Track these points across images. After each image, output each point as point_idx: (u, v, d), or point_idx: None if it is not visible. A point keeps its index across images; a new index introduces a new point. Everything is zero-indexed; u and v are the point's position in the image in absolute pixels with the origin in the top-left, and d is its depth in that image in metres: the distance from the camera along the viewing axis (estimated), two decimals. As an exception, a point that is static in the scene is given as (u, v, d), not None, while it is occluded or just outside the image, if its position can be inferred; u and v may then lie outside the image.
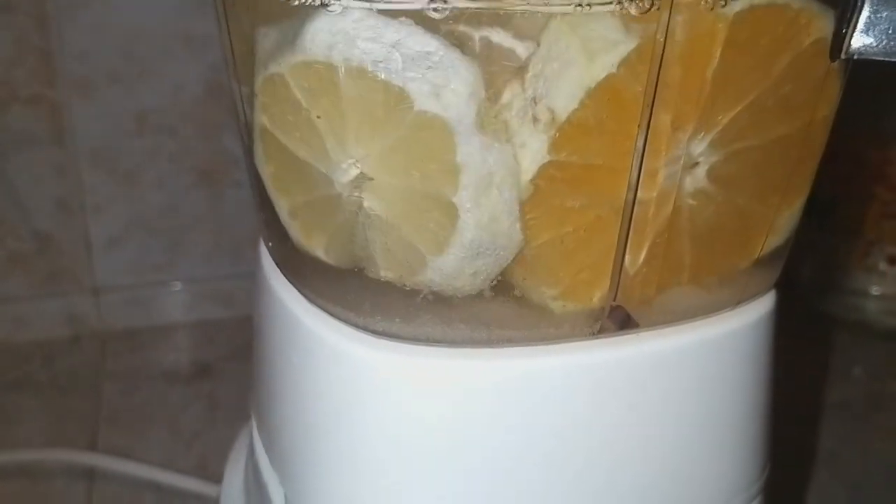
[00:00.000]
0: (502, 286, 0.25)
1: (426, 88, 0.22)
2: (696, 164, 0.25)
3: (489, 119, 0.23)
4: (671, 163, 0.24)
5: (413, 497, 0.27)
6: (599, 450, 0.27)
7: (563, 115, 0.23)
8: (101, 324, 0.62)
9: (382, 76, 0.22)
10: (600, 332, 0.26)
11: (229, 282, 0.63)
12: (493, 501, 0.27)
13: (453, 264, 0.25)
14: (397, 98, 0.23)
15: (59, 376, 0.58)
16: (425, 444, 0.26)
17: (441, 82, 0.22)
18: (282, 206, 0.27)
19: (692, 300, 0.27)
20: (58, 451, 0.50)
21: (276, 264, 0.30)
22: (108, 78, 0.56)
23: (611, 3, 0.22)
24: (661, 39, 0.22)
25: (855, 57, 0.24)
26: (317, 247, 0.27)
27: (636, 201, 0.24)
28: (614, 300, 0.26)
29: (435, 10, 0.22)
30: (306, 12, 0.23)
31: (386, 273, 0.25)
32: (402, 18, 0.22)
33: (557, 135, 0.23)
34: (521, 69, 0.23)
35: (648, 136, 0.24)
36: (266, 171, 0.27)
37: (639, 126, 0.23)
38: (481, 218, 0.24)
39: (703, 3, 0.22)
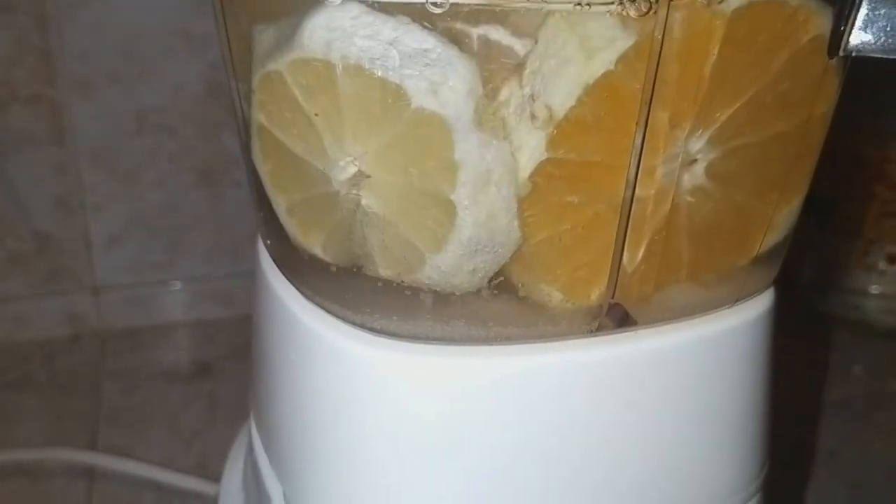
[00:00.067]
0: (500, 284, 0.25)
1: (424, 86, 0.22)
2: (695, 161, 0.25)
3: (487, 116, 0.23)
4: (669, 160, 0.24)
5: (411, 494, 0.27)
6: (598, 447, 0.27)
7: (560, 112, 0.23)
8: (100, 323, 0.62)
9: (380, 73, 0.22)
10: (598, 329, 0.26)
11: (229, 281, 0.63)
12: (492, 499, 0.27)
13: (451, 262, 0.25)
14: (395, 95, 0.23)
15: (59, 375, 0.58)
16: (423, 441, 0.26)
17: (439, 79, 0.22)
18: (279, 203, 0.27)
19: (690, 298, 0.27)
20: (58, 450, 0.50)
21: (275, 262, 0.30)
22: (108, 77, 0.56)
23: (612, 2, 0.22)
24: (659, 37, 0.22)
25: (853, 54, 0.24)
26: (315, 245, 0.27)
27: (634, 198, 0.24)
28: (612, 298, 0.26)
29: (434, 3, 0.22)
30: (304, 8, 0.23)
31: (384, 271, 0.25)
32: (400, 16, 0.22)
33: (555, 132, 0.23)
34: (518, 66, 0.23)
35: (646, 134, 0.24)
36: (264, 168, 0.27)
37: (637, 123, 0.23)
38: (479, 215, 0.24)
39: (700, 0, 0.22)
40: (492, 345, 0.26)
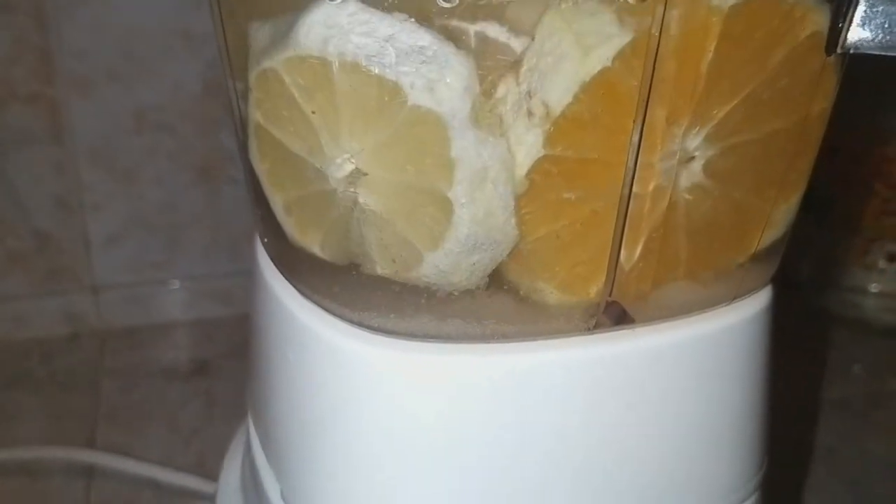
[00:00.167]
0: (498, 281, 0.25)
1: (420, 83, 0.22)
2: (692, 158, 0.25)
3: (484, 113, 0.23)
4: (667, 157, 0.24)
5: (408, 493, 0.27)
6: (595, 445, 0.27)
7: (557, 109, 0.23)
8: (99, 322, 0.62)
9: (376, 71, 0.22)
10: (596, 327, 0.26)
11: (228, 279, 0.63)
12: (489, 497, 0.27)
13: (448, 259, 0.25)
14: (391, 93, 0.23)
15: (58, 374, 0.58)
16: (420, 439, 0.26)
17: (435, 77, 0.22)
18: (277, 201, 0.27)
19: (688, 295, 0.27)
20: (56, 448, 0.50)
21: (272, 260, 0.30)
22: (107, 76, 0.56)
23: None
24: (656, 33, 0.22)
25: (851, 51, 0.24)
26: (312, 243, 0.27)
27: (631, 196, 0.24)
28: (610, 295, 0.26)
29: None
30: (301, 5, 0.23)
31: (381, 269, 0.25)
32: (397, 13, 0.22)
33: (552, 129, 0.23)
34: (515, 63, 0.23)
35: (644, 131, 0.23)
36: (261, 166, 0.27)
37: (634, 120, 0.23)
38: (476, 213, 0.24)
39: (697, -4, 0.22)
40: (489, 343, 0.26)
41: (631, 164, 0.24)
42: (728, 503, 0.30)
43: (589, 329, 0.26)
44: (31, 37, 0.54)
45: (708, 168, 0.25)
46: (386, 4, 0.22)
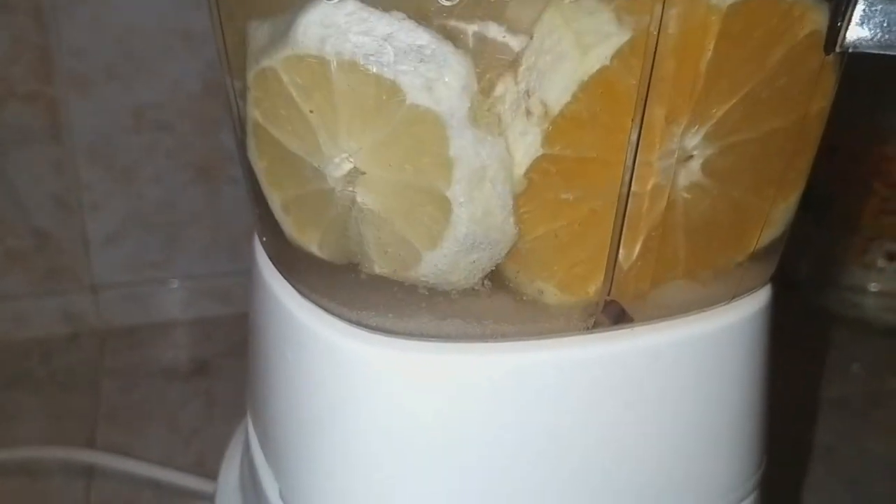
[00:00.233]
0: (496, 281, 0.25)
1: (418, 82, 0.22)
2: (691, 157, 0.25)
3: (482, 112, 0.23)
4: (665, 156, 0.24)
5: (407, 492, 0.27)
6: (594, 445, 0.27)
7: (556, 108, 0.23)
8: (99, 321, 0.62)
9: (374, 70, 0.22)
10: (595, 326, 0.26)
11: (227, 278, 0.63)
12: (488, 496, 0.27)
13: (447, 259, 0.25)
14: (389, 92, 0.22)
15: (58, 373, 0.58)
16: (419, 438, 0.26)
17: (433, 76, 0.22)
18: (275, 200, 0.27)
19: (687, 294, 0.27)
20: (56, 448, 0.50)
21: (270, 259, 0.30)
22: (106, 74, 0.56)
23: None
24: (655, 32, 0.22)
25: (850, 50, 0.24)
26: (310, 242, 0.27)
27: (630, 195, 0.24)
28: (609, 294, 0.26)
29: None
30: (299, 4, 0.23)
31: (379, 268, 0.25)
32: (395, 12, 0.22)
33: (551, 128, 0.23)
34: (513, 62, 0.23)
35: (642, 130, 0.23)
36: (259, 165, 0.27)
37: (632, 119, 0.23)
38: (475, 212, 0.24)
39: (696, -5, 0.22)
40: (488, 342, 0.26)
41: (629, 163, 0.24)
42: (727, 502, 0.30)
43: (588, 328, 0.26)
44: (30, 36, 0.54)
45: (706, 167, 0.25)
46: (384, 3, 0.22)
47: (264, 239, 0.30)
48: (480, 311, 0.26)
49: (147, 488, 0.48)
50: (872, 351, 0.62)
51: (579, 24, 0.22)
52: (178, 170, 0.60)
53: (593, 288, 0.26)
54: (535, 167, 0.23)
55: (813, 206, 0.62)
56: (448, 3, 0.22)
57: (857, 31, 0.24)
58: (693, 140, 0.24)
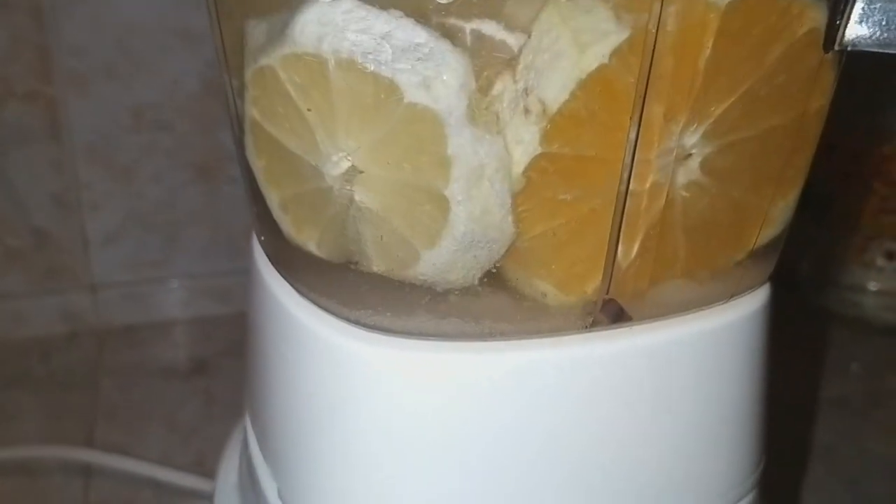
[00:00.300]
0: (495, 279, 0.25)
1: (416, 80, 0.22)
2: (689, 155, 0.25)
3: (480, 111, 0.23)
4: (664, 154, 0.24)
5: (406, 491, 0.27)
6: (592, 444, 0.27)
7: (554, 106, 0.23)
8: (98, 320, 0.62)
9: (372, 68, 0.22)
10: (593, 325, 0.26)
11: (226, 278, 0.63)
12: (487, 494, 0.27)
13: (445, 257, 0.25)
14: (387, 90, 0.22)
15: (57, 373, 0.58)
16: (418, 437, 0.26)
17: (431, 74, 0.22)
18: (273, 199, 0.27)
19: (686, 293, 0.27)
20: (55, 447, 0.50)
21: (269, 258, 0.30)
22: (105, 74, 0.56)
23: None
24: (653, 30, 0.22)
25: (849, 48, 0.24)
26: (308, 240, 0.26)
27: (629, 193, 0.24)
28: (607, 293, 0.26)
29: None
30: (296, 3, 0.22)
31: (378, 267, 0.25)
32: (392, 10, 0.22)
33: (549, 126, 0.23)
34: (512, 60, 0.23)
35: (641, 128, 0.23)
36: (257, 164, 0.27)
37: (631, 118, 0.23)
38: (473, 210, 0.24)
39: (694, -7, 0.22)
40: (486, 341, 0.26)
41: (628, 161, 0.24)
42: (726, 501, 0.30)
43: (586, 327, 0.26)
44: (29, 34, 0.54)
45: (705, 165, 0.25)
46: (382, 1, 0.22)
47: (262, 238, 0.30)
48: (479, 310, 0.26)
49: (146, 487, 0.48)
50: (872, 350, 0.62)
51: (577, 22, 0.22)
52: (178, 169, 0.60)
53: (592, 287, 0.26)
54: (534, 165, 0.23)
55: (812, 205, 0.62)
56: (445, 1, 0.22)
57: (855, 29, 0.24)
58: (692, 138, 0.24)
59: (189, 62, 0.57)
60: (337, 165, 0.24)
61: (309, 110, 0.24)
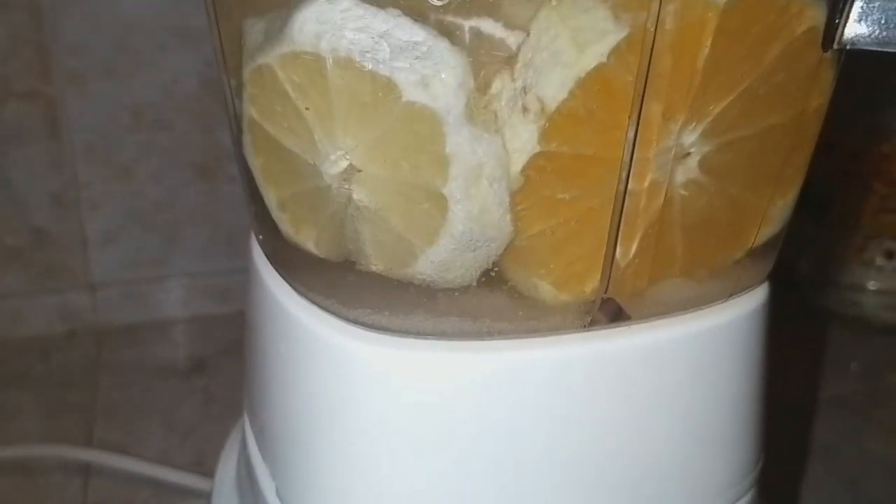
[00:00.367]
0: (493, 278, 0.25)
1: (414, 79, 0.22)
2: (688, 154, 0.25)
3: (478, 109, 0.23)
4: (662, 153, 0.24)
5: (404, 489, 0.27)
6: (591, 442, 0.27)
7: (552, 105, 0.23)
8: (97, 319, 0.62)
9: (370, 66, 0.22)
10: (592, 324, 0.26)
11: (225, 277, 0.63)
12: (485, 492, 0.27)
13: (444, 256, 0.24)
14: (385, 89, 0.22)
15: (55, 371, 0.58)
16: (416, 436, 0.26)
17: (429, 72, 0.22)
18: (271, 198, 0.27)
19: (684, 292, 0.27)
20: (53, 446, 0.50)
21: (267, 257, 0.29)
22: (104, 72, 0.56)
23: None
24: (652, 29, 0.22)
25: (848, 47, 0.24)
26: (307, 239, 0.26)
27: (627, 192, 0.24)
28: (605, 292, 0.26)
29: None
30: (294, 1, 0.22)
31: (376, 266, 0.25)
32: (391, 8, 0.22)
33: (547, 125, 0.23)
34: (510, 59, 0.23)
35: (639, 127, 0.23)
36: (255, 163, 0.27)
37: (629, 116, 0.23)
38: (471, 209, 0.24)
39: (693, -9, 0.22)
40: (484, 340, 0.26)
41: (626, 159, 0.24)
42: (724, 500, 0.30)
43: (585, 326, 0.26)
44: (27, 33, 0.54)
45: (704, 164, 0.25)
46: (380, 0, 0.22)
47: (261, 237, 0.30)
48: (477, 309, 0.26)
49: (144, 486, 0.48)
50: (871, 349, 0.62)
51: (576, 22, 0.22)
52: (177, 168, 0.60)
53: (590, 285, 0.26)
54: (532, 164, 0.23)
55: (812, 204, 0.62)
56: (439, 3, 0.22)
57: (854, 28, 0.24)
58: (690, 137, 0.24)
59: (188, 61, 0.57)
60: (335, 164, 0.24)
61: (307, 109, 0.24)
